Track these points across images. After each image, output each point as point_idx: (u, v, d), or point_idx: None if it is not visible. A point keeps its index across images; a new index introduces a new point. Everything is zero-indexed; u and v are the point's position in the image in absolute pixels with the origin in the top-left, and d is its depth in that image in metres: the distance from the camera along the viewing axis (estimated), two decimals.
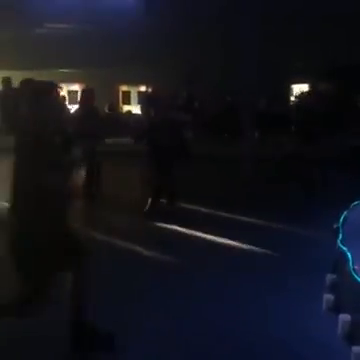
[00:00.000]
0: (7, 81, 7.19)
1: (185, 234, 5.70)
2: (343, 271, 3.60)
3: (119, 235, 5.53)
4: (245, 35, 9.73)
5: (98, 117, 7.46)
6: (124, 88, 16.68)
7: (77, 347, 3.05)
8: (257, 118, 10.80)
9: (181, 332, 3.38)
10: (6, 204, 2.99)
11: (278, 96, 13.43)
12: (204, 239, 5.51)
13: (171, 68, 13.71)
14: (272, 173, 8.68)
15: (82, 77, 14.31)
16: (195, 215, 6.47)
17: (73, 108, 8.90)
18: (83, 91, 8.17)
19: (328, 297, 3.67)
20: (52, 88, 2.99)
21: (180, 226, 5.90)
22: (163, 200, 6.33)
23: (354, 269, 3.38)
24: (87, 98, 7.43)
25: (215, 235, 5.53)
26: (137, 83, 16.42)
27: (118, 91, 16.50)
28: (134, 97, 16.77)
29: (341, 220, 4.23)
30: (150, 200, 6.24)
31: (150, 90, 15.66)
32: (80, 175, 6.74)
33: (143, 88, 16.63)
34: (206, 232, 5.64)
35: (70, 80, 14.36)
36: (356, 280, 3.25)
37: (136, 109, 15.78)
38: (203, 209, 6.74)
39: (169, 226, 5.97)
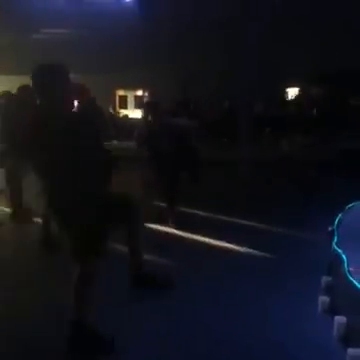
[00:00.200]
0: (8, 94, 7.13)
1: (182, 237, 5.70)
2: (338, 273, 3.62)
3: (116, 238, 5.52)
4: (243, 39, 9.78)
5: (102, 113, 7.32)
6: (121, 93, 16.71)
7: (76, 348, 3.05)
8: (254, 121, 10.84)
9: (178, 335, 3.39)
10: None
11: (274, 99, 13.48)
12: (202, 242, 5.52)
13: (168, 73, 13.74)
14: (269, 176, 8.72)
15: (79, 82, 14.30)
16: (193, 218, 6.48)
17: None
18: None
19: (323, 299, 3.68)
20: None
21: (178, 229, 5.90)
22: (163, 204, 6.34)
23: (349, 271, 3.40)
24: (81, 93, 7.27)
25: (213, 238, 5.53)
26: (134, 88, 16.46)
27: (115, 95, 16.52)
28: (131, 101, 16.79)
29: (336, 222, 4.26)
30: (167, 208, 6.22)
31: (146, 94, 15.73)
32: None
33: (140, 92, 16.67)
34: (204, 235, 5.64)
35: None
36: (351, 282, 3.27)
37: (133, 113, 15.81)
38: (201, 212, 6.74)
39: (167, 229, 5.96)
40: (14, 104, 5.86)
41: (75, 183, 2.89)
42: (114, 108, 15.86)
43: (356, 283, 3.22)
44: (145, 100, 15.43)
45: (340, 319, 3.31)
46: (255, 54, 9.71)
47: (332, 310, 3.55)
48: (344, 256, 3.59)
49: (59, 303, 3.33)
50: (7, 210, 6.48)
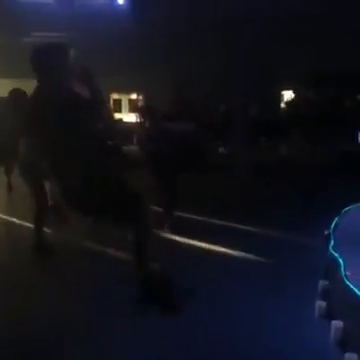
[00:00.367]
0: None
1: (179, 242, 5.67)
2: (335, 277, 3.60)
3: (109, 244, 5.49)
4: (238, 41, 9.79)
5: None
6: (115, 96, 16.68)
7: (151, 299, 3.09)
8: (251, 124, 10.83)
9: (175, 339, 3.36)
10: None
11: (269, 102, 13.49)
12: (198, 247, 5.49)
13: (163, 75, 13.73)
14: (267, 179, 8.72)
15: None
16: (189, 223, 6.45)
17: None
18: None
19: (320, 304, 3.65)
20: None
21: (174, 234, 5.87)
22: (159, 209, 6.31)
23: (346, 275, 3.38)
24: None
25: (209, 243, 5.51)
26: (128, 91, 16.45)
27: (109, 99, 16.49)
28: (125, 105, 16.77)
29: (332, 226, 4.25)
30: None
31: (141, 98, 15.70)
32: None
33: (134, 96, 16.66)
34: (200, 240, 5.61)
35: None
36: (348, 286, 3.25)
37: (127, 117, 15.76)
38: (197, 217, 6.72)
39: (163, 234, 5.93)
40: (5, 108, 5.81)
41: (83, 163, 2.84)
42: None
43: (353, 287, 3.19)
44: (140, 104, 15.40)
45: (337, 324, 3.28)
46: (250, 56, 9.71)
47: (329, 315, 3.52)
48: (341, 260, 3.56)
49: (53, 306, 3.31)
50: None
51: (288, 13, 11.08)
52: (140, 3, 11.71)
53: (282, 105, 14.38)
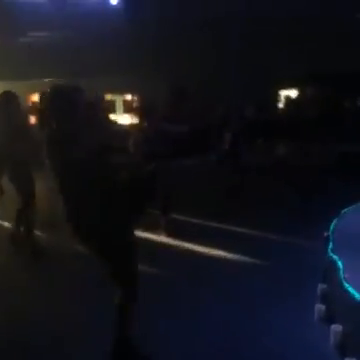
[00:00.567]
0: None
1: (175, 245, 5.64)
2: (334, 280, 3.57)
3: None
4: (232, 42, 9.78)
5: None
6: (109, 97, 16.59)
7: None
8: (247, 126, 10.79)
9: (173, 343, 3.34)
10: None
11: (266, 103, 13.46)
12: (195, 250, 5.47)
13: (157, 76, 13.69)
14: (264, 181, 8.69)
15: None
16: (186, 226, 6.42)
17: None
18: None
19: (319, 307, 3.63)
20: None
21: (170, 237, 5.84)
22: (157, 211, 6.28)
23: (345, 278, 3.35)
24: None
25: (206, 246, 5.48)
26: (122, 92, 16.37)
27: (103, 99, 16.39)
28: (119, 106, 16.69)
29: (331, 228, 4.22)
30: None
31: (135, 99, 15.61)
32: None
33: (129, 97, 16.58)
34: (197, 243, 5.59)
35: None
36: (347, 289, 3.22)
37: (122, 118, 15.69)
38: (194, 220, 6.69)
39: (159, 237, 5.90)
40: None
41: (102, 208, 2.86)
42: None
43: (352, 290, 3.17)
44: (134, 105, 15.32)
45: (336, 327, 3.26)
46: (245, 56, 9.71)
47: (328, 318, 3.50)
48: (340, 263, 3.53)
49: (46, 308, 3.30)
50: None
51: (284, 14, 11.12)
52: (134, 3, 11.68)
53: (279, 106, 14.37)
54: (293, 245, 5.39)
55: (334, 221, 4.35)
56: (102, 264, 3.04)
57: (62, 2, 10.10)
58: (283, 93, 14.51)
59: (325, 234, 4.10)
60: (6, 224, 6.43)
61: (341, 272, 3.44)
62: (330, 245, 3.89)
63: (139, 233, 5.89)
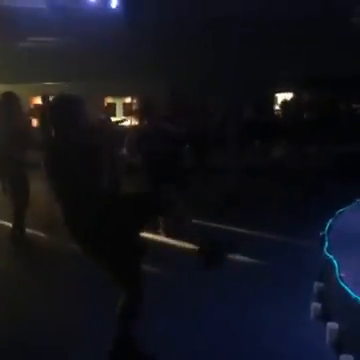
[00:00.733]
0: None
1: (173, 245, 5.67)
2: (330, 279, 3.61)
3: None
4: (231, 44, 9.79)
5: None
6: (109, 100, 16.65)
7: None
8: (244, 127, 10.82)
9: (171, 341, 3.38)
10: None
11: (263, 105, 13.50)
12: (193, 250, 5.48)
13: (156, 79, 13.73)
14: (261, 182, 8.72)
15: (66, 90, 14.26)
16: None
17: None
18: None
19: (315, 305, 3.67)
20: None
21: (169, 237, 5.86)
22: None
23: (340, 277, 3.39)
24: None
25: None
26: (122, 95, 16.42)
27: (103, 103, 16.44)
28: (119, 109, 16.74)
29: (327, 228, 4.26)
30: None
31: (135, 101, 15.65)
32: None
33: (128, 100, 16.63)
34: (196, 243, 5.60)
35: (54, 93, 14.31)
36: (342, 288, 3.26)
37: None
38: (193, 220, 6.70)
39: (158, 237, 5.94)
40: None
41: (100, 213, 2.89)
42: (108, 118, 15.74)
43: (347, 289, 3.21)
44: (134, 107, 15.37)
45: (332, 325, 3.30)
46: (242, 58, 9.73)
47: (324, 316, 3.54)
48: (335, 262, 3.58)
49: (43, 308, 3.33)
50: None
51: (283, 16, 11.15)
52: (133, 7, 11.72)
53: (277, 107, 14.40)
54: (291, 245, 5.43)
55: (330, 221, 4.40)
56: (101, 266, 3.06)
57: (62, 7, 10.14)
58: (281, 95, 14.55)
59: (321, 234, 4.14)
60: (6, 224, 6.48)
61: (337, 271, 3.48)
62: (326, 244, 3.94)
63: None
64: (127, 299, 3.05)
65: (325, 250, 3.88)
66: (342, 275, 3.41)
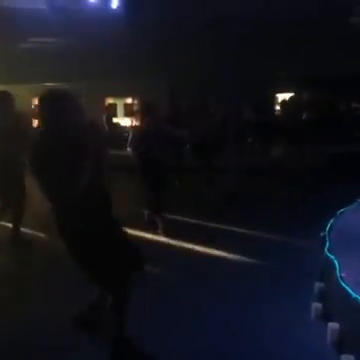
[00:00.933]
0: None
1: (173, 245, 5.67)
2: (330, 279, 3.61)
3: None
4: (231, 44, 9.80)
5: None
6: (110, 100, 16.67)
7: None
8: (244, 127, 10.83)
9: (171, 342, 3.37)
10: None
11: (263, 105, 13.49)
12: (193, 250, 5.49)
13: (157, 79, 13.74)
14: (260, 182, 8.72)
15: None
16: (184, 226, 6.46)
17: None
18: None
19: (316, 305, 3.66)
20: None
21: (168, 237, 5.87)
22: (147, 211, 6.33)
23: (341, 277, 3.39)
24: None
25: (204, 246, 5.51)
26: (123, 95, 16.44)
27: (104, 104, 16.46)
28: (120, 109, 16.76)
29: (327, 228, 4.26)
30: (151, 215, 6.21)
31: (136, 102, 15.69)
32: None
33: (129, 100, 16.65)
34: (195, 243, 5.62)
35: None
36: (343, 288, 3.25)
37: (123, 122, 15.76)
38: (192, 220, 6.73)
39: (157, 237, 5.93)
40: None
41: (85, 212, 2.88)
42: (109, 118, 15.83)
43: (348, 289, 3.20)
44: (135, 108, 15.39)
45: (333, 326, 3.30)
46: (242, 59, 9.75)
47: (325, 316, 3.53)
48: (336, 262, 3.57)
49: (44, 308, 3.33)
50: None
51: (282, 16, 11.14)
52: (134, 8, 11.71)
53: (276, 107, 14.41)
54: (290, 245, 5.43)
55: (331, 221, 4.39)
56: (85, 267, 3.02)
57: (62, 7, 10.13)
58: (280, 95, 14.55)
59: (322, 234, 4.14)
60: (6, 225, 6.48)
61: (337, 271, 3.48)
62: (327, 244, 3.93)
63: (138, 233, 6.00)
64: (113, 300, 3.04)
65: (326, 250, 3.87)
66: (343, 275, 3.40)
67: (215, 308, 3.93)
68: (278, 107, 14.07)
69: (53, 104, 2.94)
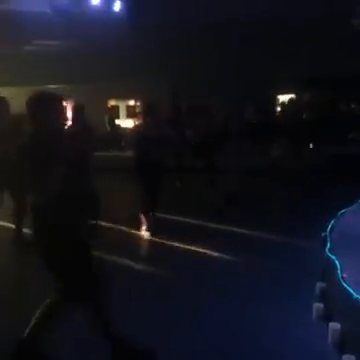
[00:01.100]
0: None
1: (173, 246, 5.69)
2: (332, 279, 3.62)
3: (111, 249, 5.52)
4: (232, 46, 9.82)
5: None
6: (112, 103, 16.69)
7: None
8: (245, 128, 10.84)
9: (172, 344, 3.37)
10: None
11: (264, 105, 13.49)
12: (193, 251, 5.51)
13: (160, 81, 13.75)
14: (260, 183, 8.73)
15: (70, 93, 14.33)
16: (184, 227, 6.48)
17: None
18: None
19: (318, 306, 3.67)
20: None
21: (169, 239, 5.89)
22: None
23: (342, 277, 3.40)
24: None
25: (205, 247, 5.52)
26: (125, 97, 16.46)
27: (106, 105, 16.49)
28: (123, 111, 16.78)
29: (329, 228, 4.27)
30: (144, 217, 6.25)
31: (139, 104, 15.71)
32: None
33: (132, 102, 16.66)
34: (195, 244, 5.63)
35: None
36: (345, 288, 3.27)
37: (125, 123, 15.78)
38: (192, 221, 6.74)
39: (158, 239, 5.96)
40: None
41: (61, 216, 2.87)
42: (112, 120, 15.85)
43: (349, 289, 3.22)
44: (138, 110, 15.40)
45: (334, 326, 3.30)
46: (243, 60, 9.77)
47: (327, 316, 3.54)
48: (337, 262, 3.59)
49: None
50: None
51: (284, 17, 11.15)
52: (136, 10, 11.75)
53: (278, 108, 14.39)
54: (290, 245, 5.44)
55: (332, 222, 4.40)
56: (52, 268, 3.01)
57: (65, 10, 10.19)
58: (282, 96, 14.55)
59: (323, 234, 4.15)
60: (7, 225, 6.52)
61: (339, 271, 3.49)
62: (328, 245, 3.94)
63: (138, 234, 6.03)
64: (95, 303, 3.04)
65: (327, 251, 3.89)
66: (344, 275, 3.41)
67: (215, 308, 3.94)
68: (280, 107, 14.10)
69: (36, 107, 2.96)
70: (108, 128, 14.74)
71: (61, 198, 2.79)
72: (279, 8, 10.84)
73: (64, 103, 3.08)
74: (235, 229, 6.27)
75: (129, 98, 16.67)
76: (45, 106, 2.95)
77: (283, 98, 13.67)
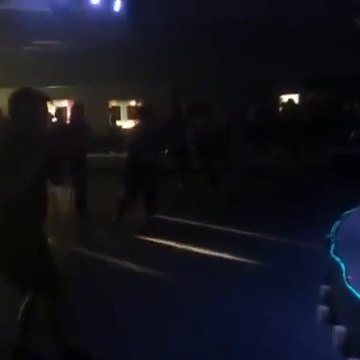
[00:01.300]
0: None
1: (175, 247, 5.67)
2: (336, 282, 3.58)
3: (103, 250, 5.51)
4: (233, 46, 9.80)
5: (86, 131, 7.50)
6: (113, 103, 16.67)
7: None
8: (246, 129, 10.80)
9: (175, 345, 3.35)
10: None
11: (266, 106, 13.48)
12: (196, 252, 5.49)
13: (161, 82, 13.75)
14: (261, 184, 8.72)
15: (71, 93, 14.33)
16: (185, 228, 6.46)
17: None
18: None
19: (323, 308, 3.64)
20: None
21: (169, 240, 5.87)
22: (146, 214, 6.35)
23: (347, 280, 3.36)
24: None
25: (206, 248, 5.50)
26: (126, 98, 16.44)
27: (107, 106, 16.48)
28: (124, 112, 16.77)
29: (333, 230, 4.23)
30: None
31: (139, 104, 15.71)
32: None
33: (133, 103, 16.65)
34: (197, 245, 5.61)
35: (59, 97, 14.34)
36: (350, 291, 3.23)
37: (126, 124, 15.77)
38: (194, 222, 6.73)
39: (157, 240, 5.93)
40: None
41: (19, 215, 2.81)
42: (113, 121, 15.81)
43: (355, 292, 3.18)
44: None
45: (339, 329, 3.27)
46: (245, 60, 9.76)
47: (331, 319, 3.51)
48: (342, 264, 3.55)
49: None
50: None
51: (285, 17, 11.14)
52: (136, 10, 11.73)
53: (279, 109, 14.39)
54: (293, 246, 5.42)
55: (336, 223, 4.37)
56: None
57: (65, 10, 10.15)
58: (283, 96, 14.55)
59: (327, 236, 4.12)
60: None
61: (344, 274, 3.45)
62: (332, 247, 3.91)
63: (139, 236, 6.02)
64: (50, 313, 3.02)
65: (332, 253, 3.85)
66: (349, 278, 3.38)
67: (218, 310, 3.91)
68: (281, 108, 14.09)
69: (16, 103, 2.89)
70: (112, 125, 14.82)
71: (23, 198, 2.71)
72: (280, 8, 10.81)
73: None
74: (235, 230, 6.25)
75: (130, 99, 16.65)
76: (27, 103, 2.87)
77: (286, 97, 13.66)
